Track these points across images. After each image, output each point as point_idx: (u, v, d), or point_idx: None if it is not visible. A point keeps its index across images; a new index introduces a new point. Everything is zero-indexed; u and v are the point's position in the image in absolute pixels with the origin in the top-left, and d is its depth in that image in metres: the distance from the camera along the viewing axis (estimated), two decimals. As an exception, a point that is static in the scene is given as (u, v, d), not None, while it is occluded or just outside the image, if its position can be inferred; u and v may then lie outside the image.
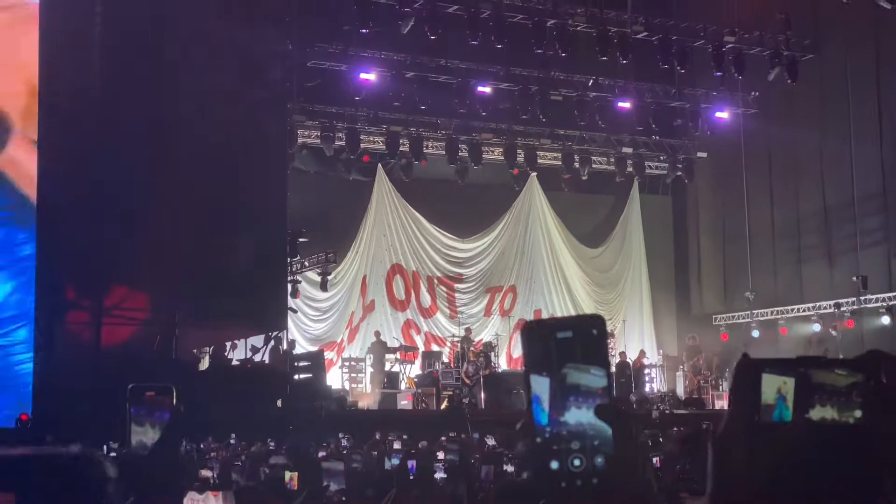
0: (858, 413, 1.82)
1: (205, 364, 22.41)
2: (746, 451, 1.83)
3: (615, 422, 1.74)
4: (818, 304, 28.22)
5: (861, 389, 1.81)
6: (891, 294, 26.52)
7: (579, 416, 1.75)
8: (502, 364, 28.11)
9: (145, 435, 3.13)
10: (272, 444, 14.22)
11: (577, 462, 1.75)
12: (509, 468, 8.26)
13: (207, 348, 22.54)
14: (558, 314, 30.99)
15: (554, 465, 1.76)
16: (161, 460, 3.07)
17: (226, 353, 23.12)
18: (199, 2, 21.29)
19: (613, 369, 26.19)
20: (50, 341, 18.94)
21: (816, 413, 1.83)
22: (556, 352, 1.75)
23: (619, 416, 1.75)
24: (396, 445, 11.88)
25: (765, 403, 1.89)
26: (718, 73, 27.80)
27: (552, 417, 1.76)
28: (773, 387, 1.91)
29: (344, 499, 6.97)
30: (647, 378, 28.63)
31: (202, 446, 13.51)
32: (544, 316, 27.36)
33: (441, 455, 8.33)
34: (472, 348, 25.67)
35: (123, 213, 19.58)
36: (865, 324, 27.07)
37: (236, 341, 23.66)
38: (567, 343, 1.76)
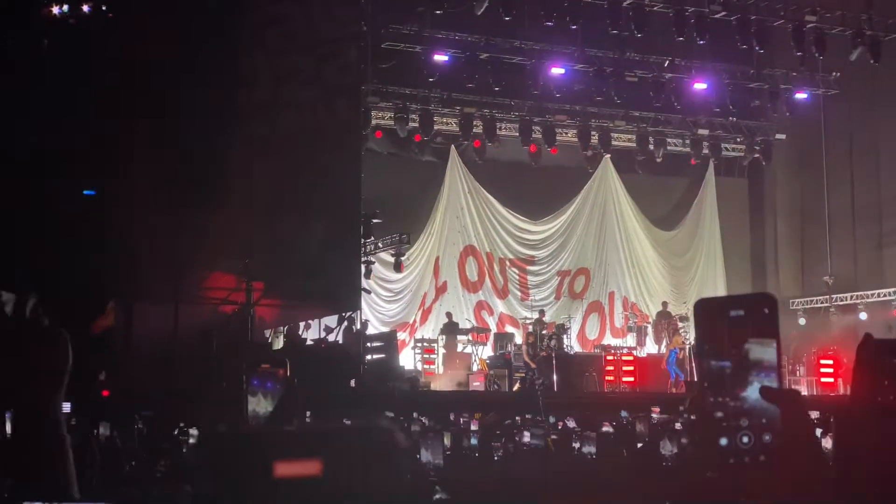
0: None
1: (279, 344, 22.64)
2: (870, 432, 1.79)
3: (782, 401, 1.72)
4: (900, 288, 27.69)
5: None
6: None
7: (749, 392, 1.76)
8: (575, 346, 27.97)
9: (259, 405, 3.21)
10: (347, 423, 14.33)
11: (745, 439, 1.76)
12: (588, 448, 8.24)
13: (282, 328, 22.76)
14: (632, 298, 30.86)
15: (723, 441, 1.77)
16: (281, 424, 3.15)
17: (300, 333, 23.34)
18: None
19: (685, 354, 25.97)
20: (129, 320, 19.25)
21: None
22: (729, 329, 1.78)
23: (785, 396, 1.73)
24: (473, 427, 11.90)
25: (887, 384, 1.85)
26: (799, 54, 27.26)
27: (723, 394, 1.77)
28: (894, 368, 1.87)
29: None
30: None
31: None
32: (617, 298, 27.32)
33: (526, 437, 8.34)
34: (543, 330, 25.58)
35: (199, 195, 19.78)
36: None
37: (310, 321, 23.86)
38: (739, 321, 1.78)
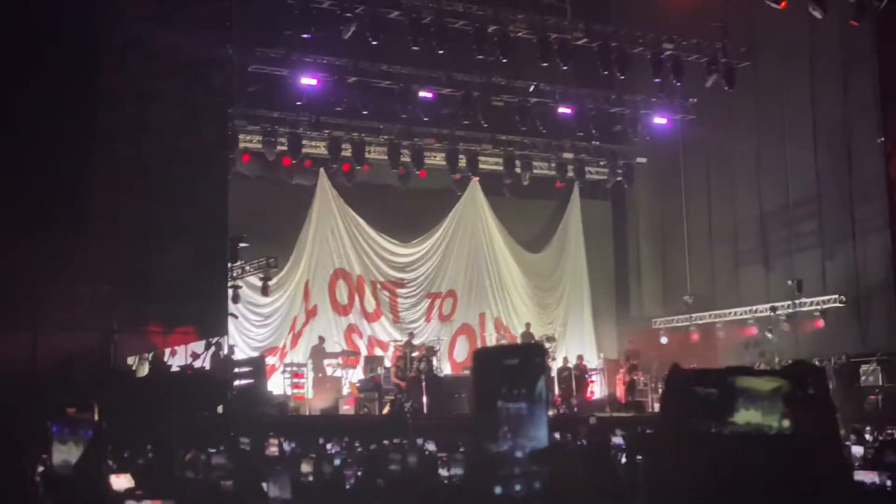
0: (786, 422, 1.92)
1: (144, 371, 22.22)
2: (677, 458, 1.91)
3: (553, 461, 1.84)
4: (755, 307, 28.65)
5: (787, 398, 1.91)
6: (825, 297, 27.01)
7: (520, 440, 1.85)
8: (445, 369, 28.15)
9: (68, 453, 3.14)
10: (212, 451, 14.14)
11: (517, 487, 1.84)
12: (445, 472, 8.35)
13: (147, 354, 22.35)
14: (502, 319, 31.24)
15: (497, 489, 1.85)
16: (84, 478, 3.11)
17: (165, 360, 22.95)
18: (137, 8, 21.11)
19: (554, 374, 26.42)
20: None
21: (742, 420, 1.93)
22: (504, 377, 1.85)
23: (553, 454, 1.84)
24: (336, 450, 11.89)
25: (694, 412, 1.98)
26: (657, 80, 28.11)
27: (497, 441, 1.86)
28: (703, 395, 2.00)
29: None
30: (588, 382, 28.84)
31: (139, 455, 13.41)
32: (489, 319, 27.55)
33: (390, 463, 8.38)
34: (413, 353, 25.71)
35: (61, 218, 19.36)
36: (800, 327, 27.53)
37: (176, 347, 23.50)
38: (515, 369, 1.87)
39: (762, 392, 1.98)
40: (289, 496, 6.52)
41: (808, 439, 1.96)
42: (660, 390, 27.16)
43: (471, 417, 1.91)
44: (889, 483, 6.62)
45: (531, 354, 1.95)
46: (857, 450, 11.35)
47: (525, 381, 1.92)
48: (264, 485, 6.64)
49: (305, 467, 8.74)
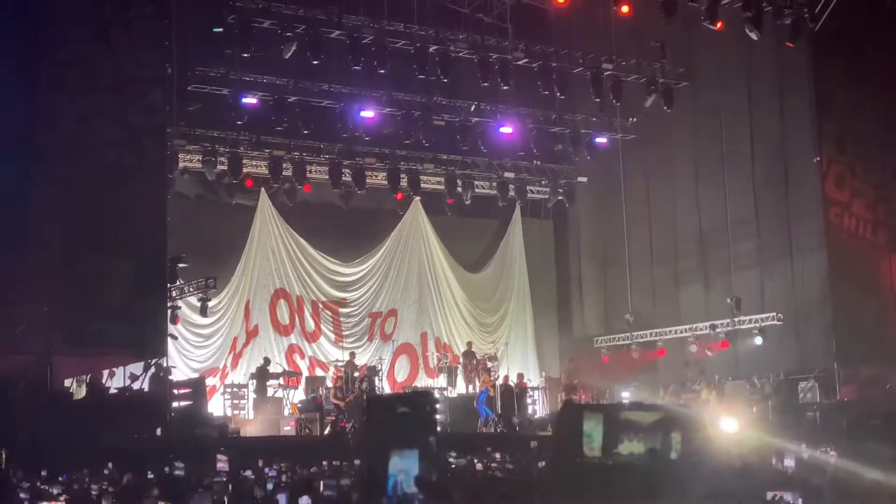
0: (667, 450, 1.99)
1: (81, 393, 21.92)
2: (569, 486, 1.97)
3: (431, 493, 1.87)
4: (695, 325, 28.91)
5: (667, 429, 1.98)
6: (763, 315, 27.32)
7: (406, 488, 1.90)
8: (386, 388, 28.06)
9: None
10: (150, 474, 13.97)
11: None
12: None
13: (84, 377, 22.05)
14: (444, 338, 31.29)
15: None
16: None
17: (103, 382, 22.66)
18: (76, 26, 20.92)
19: (496, 392, 26.42)
20: None
21: (625, 448, 2.00)
22: (398, 424, 1.91)
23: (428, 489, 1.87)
24: (271, 473, 11.77)
25: (585, 444, 2.04)
26: (597, 100, 28.35)
27: (386, 491, 1.90)
28: (592, 428, 2.07)
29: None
30: (529, 401, 28.90)
31: (76, 480, 13.21)
32: (430, 339, 27.56)
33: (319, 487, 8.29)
34: (355, 373, 25.60)
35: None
36: (739, 345, 27.81)
37: (114, 369, 23.21)
38: (407, 418, 1.92)
39: (645, 424, 2.08)
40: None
41: (687, 465, 2.06)
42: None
43: (361, 470, 1.94)
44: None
45: (421, 403, 2.01)
46: (790, 464, 11.49)
47: (417, 430, 1.97)
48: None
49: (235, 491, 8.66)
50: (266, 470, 12.63)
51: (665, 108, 28.70)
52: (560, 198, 32.73)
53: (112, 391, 22.30)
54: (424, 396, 2.15)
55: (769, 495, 6.64)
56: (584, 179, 32.61)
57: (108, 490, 9.36)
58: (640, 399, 27.27)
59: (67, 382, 21.76)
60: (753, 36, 25.43)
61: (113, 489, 9.45)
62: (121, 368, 23.11)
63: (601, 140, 30.93)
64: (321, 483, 8.18)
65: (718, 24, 25.61)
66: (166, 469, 14.02)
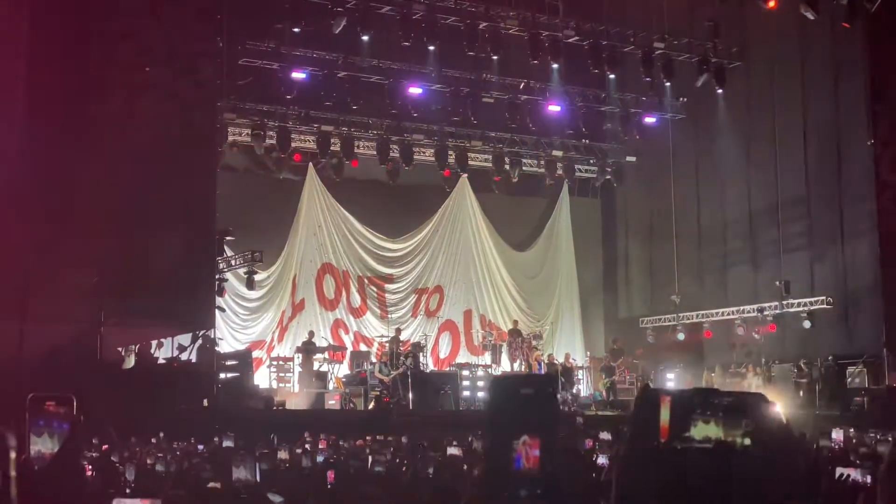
0: (746, 438, 1.96)
1: (130, 363, 22.18)
2: (646, 472, 1.94)
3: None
4: (742, 307, 28.66)
5: (746, 423, 1.95)
6: (812, 299, 27.05)
7: (528, 463, 1.90)
8: (430, 365, 28.15)
9: (44, 446, 3.10)
10: (200, 447, 14.12)
11: None
12: (428, 468, 8.36)
13: (133, 347, 22.31)
14: (488, 316, 31.23)
15: None
16: (60, 471, 3.07)
17: (152, 352, 22.91)
18: (129, 0, 21.09)
19: (545, 370, 26.44)
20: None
21: (705, 436, 1.97)
22: (519, 404, 1.92)
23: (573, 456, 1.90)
24: (321, 446, 11.88)
25: (663, 429, 2.02)
26: (647, 79, 28.12)
27: (504, 464, 1.91)
28: (672, 414, 2.04)
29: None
30: (575, 380, 28.86)
31: (126, 447, 13.38)
32: (475, 316, 27.59)
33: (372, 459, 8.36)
34: (399, 349, 25.68)
35: (49, 208, 19.31)
36: (787, 328, 27.57)
37: (162, 339, 23.45)
38: (529, 399, 1.93)
39: (723, 410, 2.04)
40: (252, 479, 6.52)
41: (767, 452, 2.01)
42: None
43: (484, 443, 1.98)
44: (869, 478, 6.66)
45: (545, 384, 2.05)
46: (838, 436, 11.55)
47: (539, 410, 2.01)
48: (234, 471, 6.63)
49: (282, 454, 8.73)
50: (309, 441, 12.73)
51: (717, 87, 28.41)
52: (608, 177, 32.55)
53: (160, 361, 22.55)
54: (547, 379, 2.22)
55: (837, 472, 6.58)
56: (632, 159, 32.39)
57: (158, 457, 9.49)
58: (686, 381, 27.19)
59: (116, 352, 22.01)
60: (809, 16, 25.05)
61: (164, 457, 9.59)
62: (169, 339, 23.34)
63: (651, 119, 30.69)
64: (370, 456, 8.24)
65: (772, 3, 25.27)
66: (215, 440, 14.17)
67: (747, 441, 2.03)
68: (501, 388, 2.03)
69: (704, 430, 2.03)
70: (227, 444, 12.48)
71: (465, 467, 9.43)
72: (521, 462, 2.02)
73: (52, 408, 3.29)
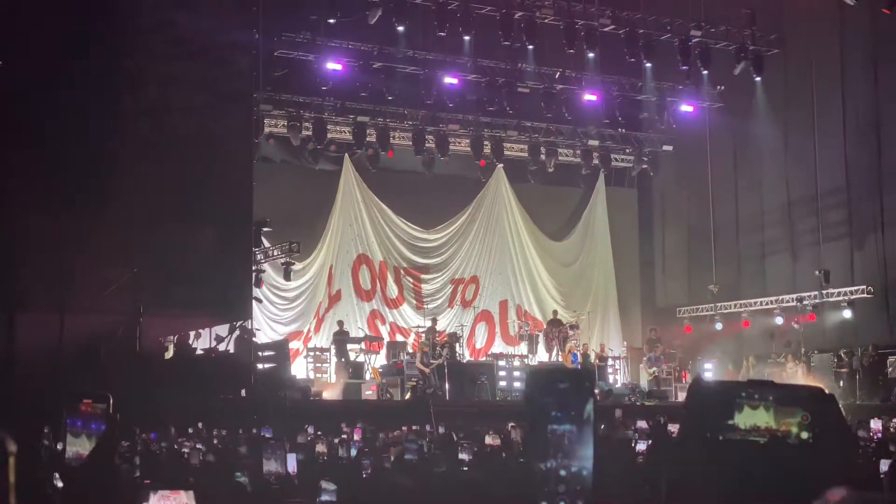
0: (805, 434, 1.94)
1: (169, 354, 22.35)
2: (699, 464, 1.93)
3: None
4: (781, 297, 28.44)
5: (803, 416, 1.94)
6: (852, 288, 26.79)
7: (567, 459, 1.91)
8: (466, 355, 28.14)
9: (81, 445, 3.12)
10: (240, 433, 14.21)
11: None
12: (466, 456, 8.37)
13: (172, 337, 22.47)
14: (524, 306, 31.18)
15: None
16: (96, 470, 3.08)
17: (190, 343, 23.07)
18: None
19: (580, 361, 26.36)
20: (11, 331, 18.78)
21: (760, 429, 1.95)
22: (557, 398, 1.93)
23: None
24: (357, 436, 11.93)
25: (716, 421, 2.01)
26: (684, 67, 27.92)
27: (545, 459, 1.92)
28: (725, 406, 2.03)
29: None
30: (610, 370, 28.78)
31: (164, 438, 13.49)
32: (511, 307, 27.58)
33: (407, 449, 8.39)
34: (435, 339, 25.70)
35: (86, 201, 19.46)
36: (827, 317, 27.32)
37: (200, 330, 23.61)
38: (566, 392, 1.94)
39: (779, 404, 2.02)
40: (283, 471, 6.54)
41: (824, 447, 2.00)
42: (683, 379, 27.12)
43: (523, 436, 1.98)
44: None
45: (581, 379, 2.03)
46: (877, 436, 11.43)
47: (575, 404, 2.00)
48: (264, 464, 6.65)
49: (320, 447, 8.76)
50: (345, 431, 12.79)
51: (754, 75, 28.18)
52: (644, 166, 32.38)
53: (198, 352, 22.69)
54: (584, 374, 2.23)
55: (883, 466, 6.50)
56: (669, 148, 32.19)
57: (196, 447, 9.55)
58: (725, 371, 27.04)
59: (155, 342, 22.17)
60: (849, 1, 24.77)
61: (202, 446, 9.65)
62: (207, 330, 23.49)
63: (687, 108, 30.48)
64: (405, 446, 8.26)
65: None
66: (253, 430, 14.25)
67: (804, 435, 2.01)
68: (537, 381, 2.02)
69: (759, 423, 2.02)
70: (266, 434, 12.55)
71: (504, 455, 9.45)
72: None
73: (88, 407, 3.30)
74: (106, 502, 3.12)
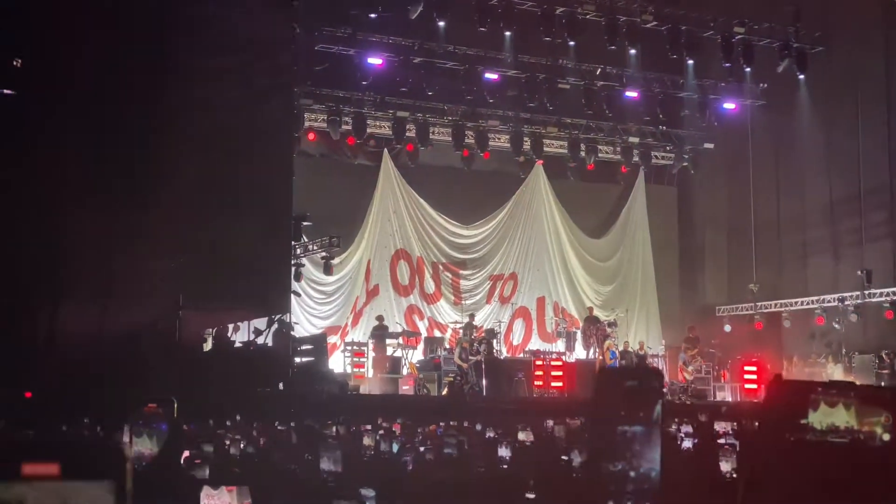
0: (888, 436, 1.90)
1: (208, 346, 22.47)
2: (777, 464, 1.90)
3: None
4: (822, 297, 28.19)
5: (886, 417, 1.90)
6: (895, 288, 26.48)
7: (636, 457, 1.88)
8: (503, 351, 28.10)
9: (144, 446, 3.13)
10: (280, 426, 14.25)
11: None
12: (505, 452, 8.34)
13: (210, 330, 22.59)
14: (561, 303, 31.08)
15: None
16: (161, 471, 3.09)
17: (228, 336, 23.19)
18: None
19: (620, 360, 26.23)
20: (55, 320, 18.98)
21: (842, 430, 1.92)
22: (624, 398, 1.91)
23: None
24: (397, 430, 11.94)
25: (796, 421, 1.97)
26: (727, 65, 27.71)
27: (614, 457, 1.89)
28: (803, 405, 1.99)
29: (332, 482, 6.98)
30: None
31: (204, 429, 13.54)
32: (548, 303, 27.50)
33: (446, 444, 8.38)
34: (473, 335, 25.68)
35: (131, 195, 19.60)
36: (869, 318, 27.04)
37: (239, 323, 23.72)
38: (634, 391, 1.92)
39: (861, 404, 1.97)
40: (340, 470, 6.53)
41: None
42: (722, 379, 26.92)
43: (588, 434, 1.97)
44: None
45: (650, 379, 2.00)
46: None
47: (643, 404, 1.97)
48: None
49: (367, 440, 8.76)
50: (384, 427, 12.79)
51: (798, 73, 27.92)
52: (685, 164, 32.19)
53: (237, 345, 22.80)
54: (653, 374, 2.22)
55: None
56: (710, 146, 31.98)
57: (236, 439, 9.59)
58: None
59: (195, 335, 22.29)
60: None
61: (242, 439, 9.68)
62: (245, 323, 23.59)
63: (730, 106, 30.26)
64: (444, 441, 8.25)
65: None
66: (291, 424, 14.26)
67: (886, 437, 1.97)
68: (606, 380, 2.00)
69: (839, 422, 1.97)
70: (308, 424, 12.57)
71: (542, 451, 9.41)
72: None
73: (152, 409, 3.32)
74: (170, 500, 3.13)
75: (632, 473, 1.94)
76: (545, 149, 30.49)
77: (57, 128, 19.16)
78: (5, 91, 18.76)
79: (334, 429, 11.65)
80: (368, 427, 11.77)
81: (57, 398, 16.10)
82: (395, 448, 8.95)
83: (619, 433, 1.96)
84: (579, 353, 28.57)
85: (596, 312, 29.65)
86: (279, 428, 13.04)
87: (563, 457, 7.91)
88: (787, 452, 1.96)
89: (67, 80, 19.35)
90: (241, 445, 9.09)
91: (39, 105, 19.11)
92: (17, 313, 19.13)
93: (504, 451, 8.34)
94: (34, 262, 18.97)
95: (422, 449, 8.91)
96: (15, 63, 18.98)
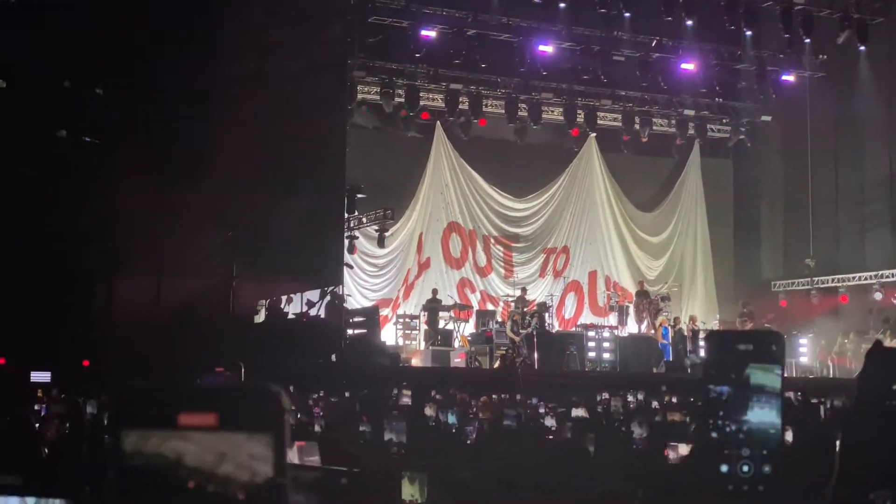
0: None
1: (261, 317, 22.63)
2: (876, 433, 1.85)
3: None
4: (881, 272, 27.76)
5: None
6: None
7: (750, 418, 1.84)
8: (555, 325, 27.99)
9: None
10: (347, 394, 14.35)
11: (745, 468, 1.82)
12: (552, 424, 8.31)
13: (264, 301, 22.74)
14: (613, 277, 30.90)
15: (724, 468, 1.83)
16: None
17: (282, 307, 23.32)
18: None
19: (672, 335, 26.03)
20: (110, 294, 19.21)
21: None
22: (737, 360, 1.87)
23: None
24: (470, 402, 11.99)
25: (892, 389, 1.91)
26: (786, 35, 27.28)
27: (727, 421, 1.84)
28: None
29: (403, 451, 6.98)
30: (701, 343, 28.36)
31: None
32: (600, 277, 27.36)
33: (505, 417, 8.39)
34: (525, 308, 25.60)
35: (185, 168, 19.72)
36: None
37: (292, 295, 23.85)
38: (748, 354, 1.87)
39: None
40: (404, 440, 6.53)
41: None
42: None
43: (701, 398, 1.89)
44: None
45: (769, 342, 1.93)
46: None
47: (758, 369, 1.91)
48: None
49: (429, 411, 8.78)
50: (439, 399, 12.82)
51: (858, 44, 27.39)
52: (741, 137, 31.74)
53: (290, 316, 22.93)
54: (773, 336, 2.14)
55: None
56: (768, 118, 31.50)
57: (290, 409, 9.62)
58: (820, 347, 26.51)
59: (248, 306, 22.46)
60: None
61: (297, 410, 9.72)
62: (298, 295, 23.71)
63: (788, 78, 29.78)
64: (504, 412, 8.23)
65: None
66: (346, 394, 14.33)
67: None
68: (718, 344, 1.93)
69: None
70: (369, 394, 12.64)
71: (602, 424, 9.37)
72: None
73: (220, 374, 3.31)
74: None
75: (743, 436, 1.88)
76: (599, 121, 30.22)
77: (110, 104, 19.30)
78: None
79: (397, 400, 11.71)
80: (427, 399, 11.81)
81: (116, 370, 16.30)
82: (452, 419, 8.95)
83: (729, 395, 1.90)
84: (631, 327, 28.40)
85: (647, 286, 29.44)
86: (339, 399, 13.12)
87: (622, 428, 7.87)
88: (885, 419, 1.90)
89: (120, 56, 19.49)
90: (298, 416, 9.13)
91: (93, 83, 19.27)
92: (76, 289, 19.38)
93: (557, 424, 8.31)
94: (90, 239, 19.18)
95: (481, 419, 8.92)
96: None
